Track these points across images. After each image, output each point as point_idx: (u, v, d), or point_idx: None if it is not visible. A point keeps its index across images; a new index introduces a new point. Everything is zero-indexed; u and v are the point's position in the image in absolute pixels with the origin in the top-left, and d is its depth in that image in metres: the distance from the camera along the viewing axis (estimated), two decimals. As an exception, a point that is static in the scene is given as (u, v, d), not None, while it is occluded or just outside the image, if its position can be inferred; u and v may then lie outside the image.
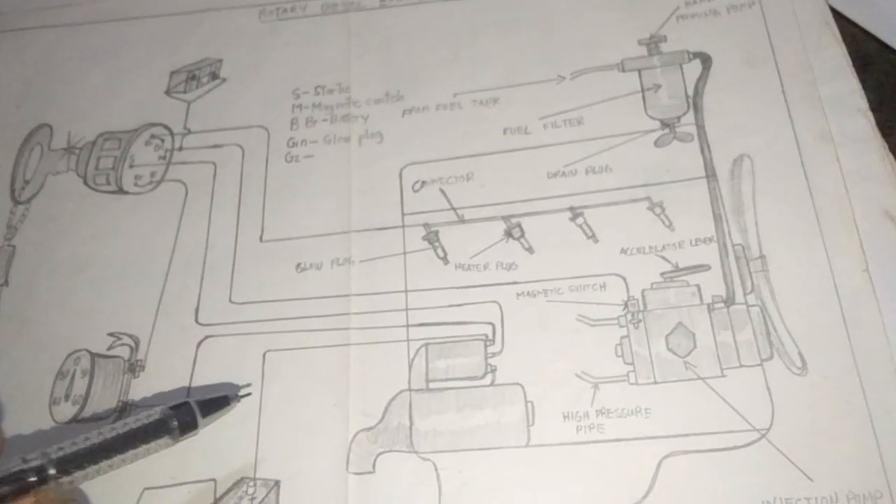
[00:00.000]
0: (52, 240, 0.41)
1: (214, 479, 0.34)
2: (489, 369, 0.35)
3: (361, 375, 0.36)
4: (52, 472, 0.30)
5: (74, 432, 0.32)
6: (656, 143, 0.39)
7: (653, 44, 0.41)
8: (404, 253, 0.38)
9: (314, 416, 0.35)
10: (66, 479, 0.31)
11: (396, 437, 0.34)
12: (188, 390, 0.36)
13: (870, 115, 0.37)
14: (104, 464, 0.31)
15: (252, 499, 0.34)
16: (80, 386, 0.37)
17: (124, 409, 0.36)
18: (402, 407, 0.35)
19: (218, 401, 0.34)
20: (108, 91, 0.45)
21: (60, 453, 0.31)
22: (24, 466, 0.30)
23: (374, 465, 0.34)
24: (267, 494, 0.34)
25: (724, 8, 0.41)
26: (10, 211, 0.42)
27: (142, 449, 0.32)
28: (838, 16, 0.40)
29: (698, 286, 0.35)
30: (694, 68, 0.40)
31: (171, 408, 0.33)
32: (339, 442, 0.34)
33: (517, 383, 0.35)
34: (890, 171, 0.36)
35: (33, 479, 0.30)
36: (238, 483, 0.34)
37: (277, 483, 0.34)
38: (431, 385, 0.35)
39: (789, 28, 0.40)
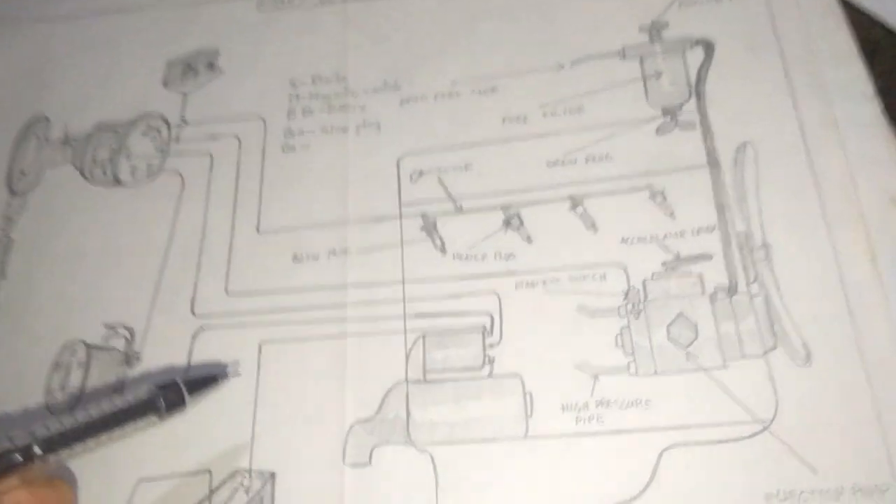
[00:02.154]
0: (49, 232, 0.41)
1: (209, 471, 0.34)
2: (487, 360, 0.34)
3: (358, 366, 0.35)
4: (37, 451, 0.30)
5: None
6: (658, 131, 0.38)
7: (654, 30, 0.40)
8: (402, 243, 0.38)
9: (310, 407, 0.35)
10: (52, 457, 0.30)
11: (393, 428, 0.34)
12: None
13: (876, 100, 0.36)
14: (91, 442, 0.31)
15: (247, 490, 0.33)
16: (75, 377, 0.37)
17: (120, 400, 0.36)
18: (399, 398, 0.34)
19: (205, 379, 0.34)
20: (105, 82, 0.45)
21: (46, 432, 0.31)
22: (10, 446, 0.30)
23: (370, 457, 0.33)
24: (262, 486, 0.33)
25: (728, -7, 0.40)
26: (6, 203, 0.42)
27: (129, 427, 0.32)
28: (844, 2, 0.39)
29: (700, 276, 0.34)
30: (696, 55, 0.39)
31: (159, 386, 0.33)
32: (335, 433, 0.34)
33: (516, 374, 0.34)
34: (897, 158, 0.35)
35: (19, 458, 0.30)
36: (233, 475, 0.34)
37: (273, 475, 0.34)
38: (429, 376, 0.35)
39: (793, 13, 0.39)
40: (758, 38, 0.39)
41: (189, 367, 0.36)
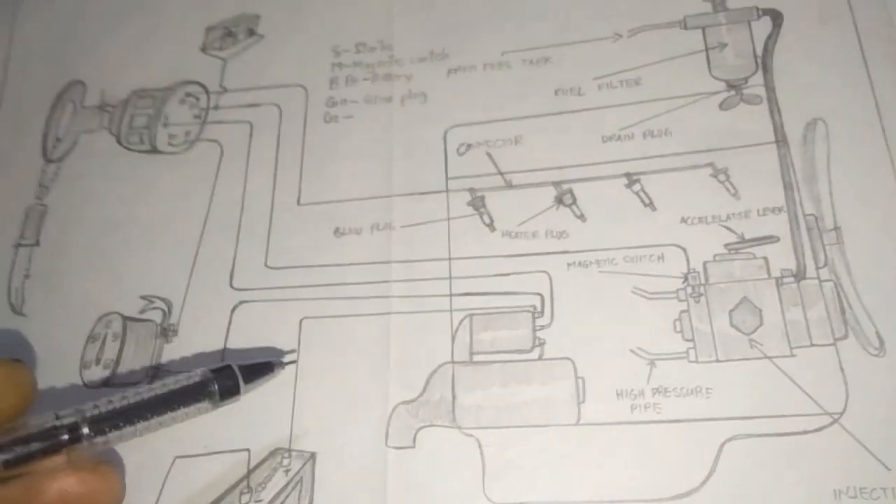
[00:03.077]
0: (85, 200, 0.40)
1: (248, 450, 0.33)
2: (537, 342, 0.33)
3: (402, 346, 0.34)
4: (85, 430, 0.29)
5: (105, 396, 0.31)
6: (721, 106, 0.36)
7: (718, -1, 0.38)
8: (448, 219, 0.36)
9: (352, 387, 0.33)
10: (100, 438, 0.29)
11: (438, 411, 0.33)
12: (222, 355, 0.35)
13: (958, 75, 0.34)
14: (140, 425, 0.30)
15: (287, 470, 0.32)
16: (111, 350, 0.36)
17: (156, 374, 0.35)
18: (445, 380, 0.33)
19: (262, 366, 0.33)
20: (142, 47, 0.43)
21: (95, 411, 0.30)
22: (57, 423, 0.29)
23: (414, 440, 0.32)
24: (302, 467, 0.32)
25: (797, -39, 0.38)
26: (41, 170, 0.41)
27: (180, 412, 0.31)
28: (923, -30, 0.37)
29: (766, 259, 0.33)
30: (763, 26, 0.37)
31: (213, 370, 0.32)
32: (378, 415, 0.33)
33: (567, 358, 0.33)
34: (980, 138, 0.33)
35: (65, 437, 0.29)
36: (272, 454, 0.33)
37: (313, 455, 0.32)
38: (476, 358, 0.33)
39: (869, -18, 0.37)
40: (829, 7, 0.37)
41: (227, 340, 0.35)
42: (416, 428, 0.32)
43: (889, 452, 0.29)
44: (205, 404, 0.31)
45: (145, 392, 0.31)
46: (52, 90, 0.43)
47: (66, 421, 0.29)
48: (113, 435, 0.30)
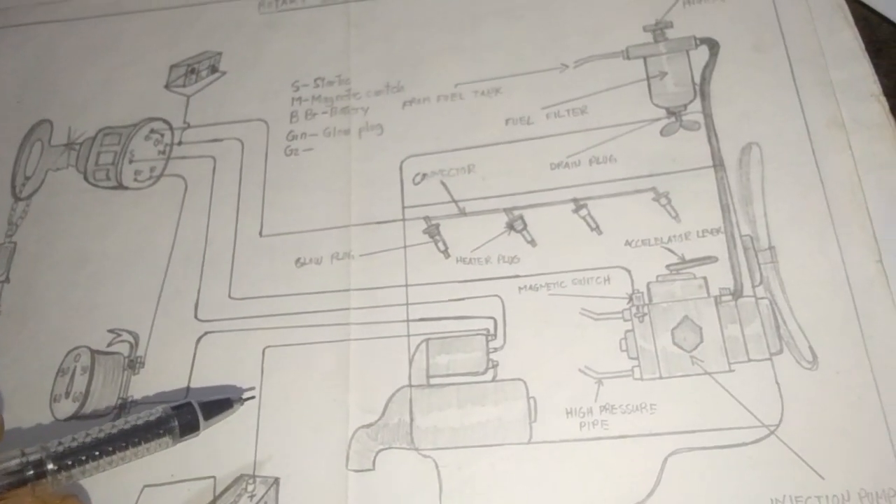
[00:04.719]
0: (53, 236, 0.41)
1: (214, 477, 0.34)
2: (491, 365, 0.34)
3: (362, 371, 0.35)
4: (50, 466, 0.30)
5: (75, 429, 0.32)
6: (662, 132, 0.38)
7: (658, 30, 0.40)
8: (405, 247, 0.37)
9: (314, 412, 0.35)
10: (64, 474, 0.30)
11: (397, 433, 0.34)
12: (188, 389, 0.36)
13: (883, 100, 0.36)
14: (103, 461, 0.31)
15: (251, 496, 0.33)
16: (80, 383, 0.37)
17: (124, 405, 0.36)
18: (403, 403, 0.34)
19: (221, 403, 0.34)
20: (107, 86, 0.45)
21: (60, 448, 0.31)
22: (23, 460, 0.30)
23: (374, 463, 0.33)
24: (266, 492, 0.33)
25: (733, -9, 0.40)
26: (10, 207, 0.42)
27: (142, 448, 0.32)
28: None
29: (705, 278, 0.34)
30: (701, 54, 0.39)
31: (173, 408, 0.33)
32: (339, 439, 0.34)
33: (519, 379, 0.34)
34: (904, 159, 0.35)
35: (31, 472, 0.30)
36: (237, 480, 0.34)
37: (277, 480, 0.33)
38: (432, 381, 0.34)
39: (799, 11, 0.39)
40: (763, 37, 0.39)
41: (192, 370, 0.36)
42: (375, 451, 0.34)
43: (823, 462, 0.30)
44: (166, 440, 0.32)
45: (108, 428, 0.32)
46: (20, 130, 0.44)
47: (31, 458, 0.30)
48: (77, 470, 0.31)
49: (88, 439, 0.31)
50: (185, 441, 0.33)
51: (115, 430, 0.32)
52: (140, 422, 0.32)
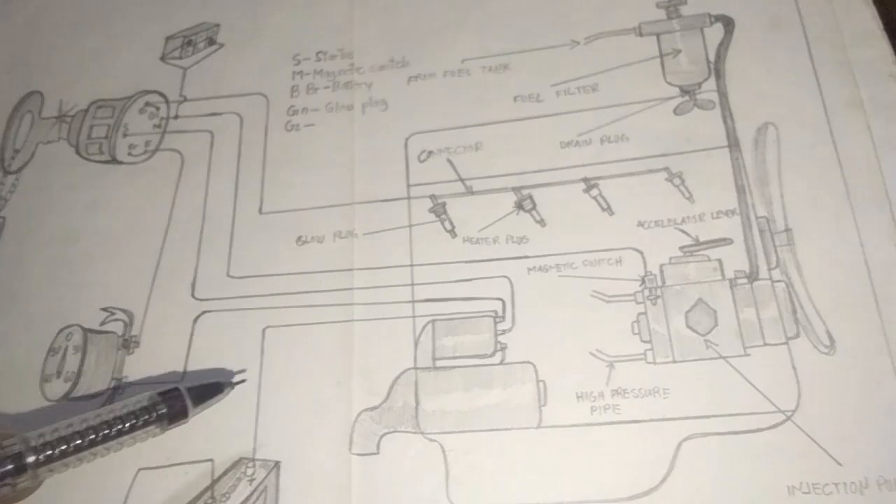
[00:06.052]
0: (43, 211, 0.40)
1: (212, 460, 0.33)
2: (499, 347, 0.33)
3: (365, 353, 0.34)
4: (30, 459, 0.29)
5: (66, 410, 0.31)
6: (676, 111, 0.37)
7: (672, 6, 0.39)
8: (410, 225, 0.36)
9: (316, 395, 0.34)
10: (45, 467, 0.29)
11: (402, 417, 0.33)
12: (184, 371, 0.35)
13: (902, 80, 0.35)
14: (87, 453, 0.30)
15: (251, 480, 0.32)
16: (72, 362, 0.36)
17: (118, 387, 0.35)
18: (408, 386, 0.33)
19: (210, 387, 0.33)
20: (100, 57, 0.43)
21: (41, 440, 0.29)
22: (0, 453, 0.29)
23: (378, 446, 0.32)
24: (267, 475, 0.32)
25: (749, -32, 0.39)
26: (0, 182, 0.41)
27: (127, 438, 0.31)
28: (868, -23, 0.38)
29: (720, 261, 0.33)
30: (716, 32, 0.38)
31: (160, 394, 0.32)
32: (341, 422, 0.33)
33: (528, 362, 0.33)
34: (924, 140, 0.34)
35: (10, 466, 0.28)
36: (237, 464, 0.33)
37: (277, 464, 0.32)
38: (438, 363, 0.33)
39: (817, -11, 0.38)
40: (780, 15, 0.38)
41: (189, 351, 0.35)
42: (379, 434, 0.33)
43: (840, 448, 0.30)
44: (153, 428, 0.31)
45: (92, 418, 0.30)
46: (10, 101, 0.43)
47: (10, 451, 0.29)
48: (58, 463, 0.29)
49: (70, 430, 0.30)
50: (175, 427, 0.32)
51: (99, 420, 0.30)
52: (125, 410, 0.31)
